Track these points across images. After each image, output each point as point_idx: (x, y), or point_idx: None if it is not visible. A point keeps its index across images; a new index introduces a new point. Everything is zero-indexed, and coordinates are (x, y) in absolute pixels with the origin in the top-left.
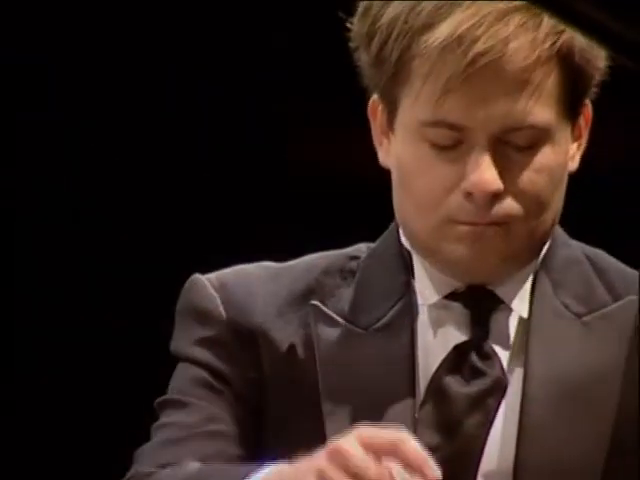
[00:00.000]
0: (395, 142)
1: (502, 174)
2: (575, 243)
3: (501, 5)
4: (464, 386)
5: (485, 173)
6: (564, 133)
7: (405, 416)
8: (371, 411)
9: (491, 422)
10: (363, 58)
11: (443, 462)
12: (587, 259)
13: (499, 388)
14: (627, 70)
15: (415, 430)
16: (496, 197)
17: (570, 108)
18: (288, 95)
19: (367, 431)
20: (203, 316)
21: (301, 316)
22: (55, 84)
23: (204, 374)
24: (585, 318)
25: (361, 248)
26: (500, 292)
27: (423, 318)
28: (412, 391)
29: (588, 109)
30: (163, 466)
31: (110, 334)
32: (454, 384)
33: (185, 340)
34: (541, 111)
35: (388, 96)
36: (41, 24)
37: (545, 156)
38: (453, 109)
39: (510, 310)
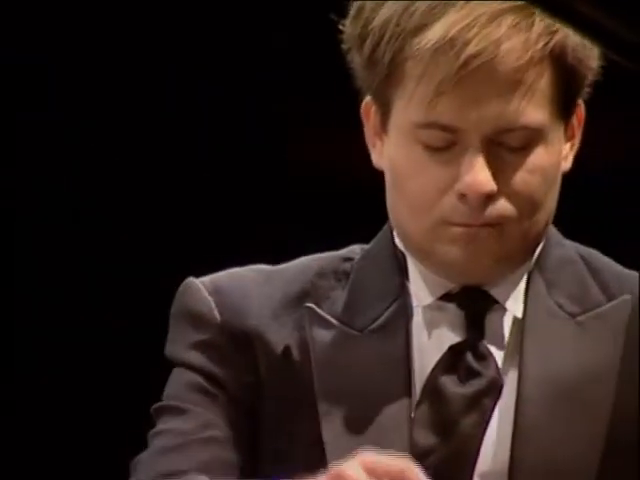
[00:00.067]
0: (388, 144)
1: (495, 175)
2: (569, 243)
3: (494, 6)
4: (460, 386)
5: (479, 174)
6: (557, 133)
7: (401, 416)
8: (367, 411)
9: (487, 422)
10: (356, 60)
11: (439, 462)
12: (581, 259)
13: (495, 388)
14: (621, 69)
15: (411, 430)
16: (490, 198)
17: (563, 108)
18: (288, 95)
19: (371, 457)
20: (197, 319)
21: (296, 318)
22: (55, 84)
23: (199, 379)
24: (579, 318)
25: (355, 250)
26: (494, 292)
27: (418, 319)
28: (408, 391)
29: (581, 109)
30: (163, 476)
31: (110, 334)
32: (450, 384)
33: (180, 344)
34: (534, 112)
35: (381, 98)
36: (41, 24)
37: (538, 156)
38: (446, 111)
39: (504, 310)
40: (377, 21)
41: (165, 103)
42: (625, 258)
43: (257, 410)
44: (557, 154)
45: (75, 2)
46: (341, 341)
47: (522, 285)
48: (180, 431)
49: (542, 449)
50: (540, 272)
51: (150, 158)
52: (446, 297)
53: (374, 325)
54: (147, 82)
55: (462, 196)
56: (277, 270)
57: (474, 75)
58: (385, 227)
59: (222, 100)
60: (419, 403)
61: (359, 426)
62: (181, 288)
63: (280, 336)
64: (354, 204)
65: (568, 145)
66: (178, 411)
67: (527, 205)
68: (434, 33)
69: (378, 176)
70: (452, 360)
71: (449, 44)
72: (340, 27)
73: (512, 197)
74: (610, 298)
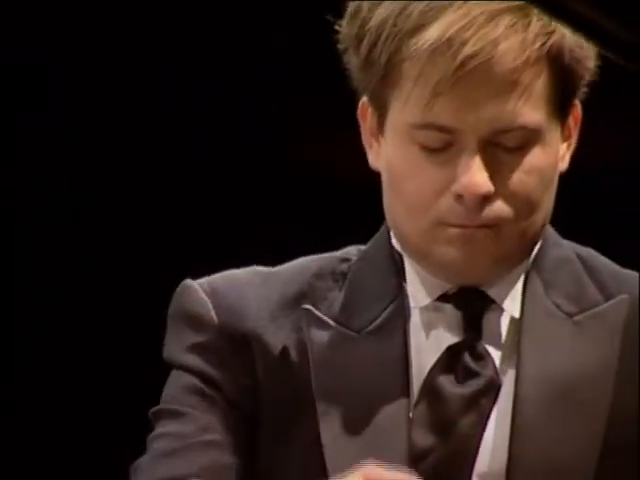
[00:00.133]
0: (385, 145)
1: (492, 176)
2: (566, 243)
3: (491, 6)
4: (458, 386)
5: (475, 175)
6: (554, 133)
7: (399, 417)
8: (365, 412)
9: (485, 422)
10: (352, 60)
11: (437, 462)
12: (578, 258)
13: (492, 388)
14: (618, 69)
15: (409, 430)
16: (486, 199)
17: (560, 108)
18: (288, 95)
19: (373, 470)
20: (195, 321)
21: (293, 320)
22: (55, 84)
23: (196, 382)
24: (576, 317)
25: (351, 251)
26: (491, 292)
27: (415, 320)
28: (406, 392)
29: (577, 109)
30: None
31: (110, 335)
32: (448, 384)
33: (177, 346)
34: (531, 112)
35: (378, 99)
36: (41, 24)
37: (535, 157)
38: (443, 112)
39: (502, 310)
40: (374, 21)
41: (165, 103)
42: (623, 258)
43: (255, 412)
44: (554, 154)
45: (75, 2)
46: (339, 342)
47: (519, 285)
48: (179, 435)
49: (540, 449)
50: (537, 272)
51: (150, 158)
52: (443, 298)
53: (372, 326)
54: (147, 82)
55: (459, 197)
56: (274, 272)
57: (471, 76)
58: (382, 228)
59: (222, 100)
60: (417, 403)
61: (357, 427)
62: (178, 289)
63: (278, 338)
64: (354, 204)
65: (565, 145)
66: (176, 414)
67: (524, 206)
68: (431, 33)
69: (378, 176)
70: (450, 360)
71: (446, 44)
72: (337, 27)
73: (509, 198)
74: (608, 298)
